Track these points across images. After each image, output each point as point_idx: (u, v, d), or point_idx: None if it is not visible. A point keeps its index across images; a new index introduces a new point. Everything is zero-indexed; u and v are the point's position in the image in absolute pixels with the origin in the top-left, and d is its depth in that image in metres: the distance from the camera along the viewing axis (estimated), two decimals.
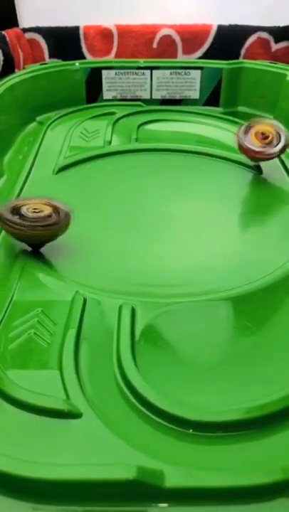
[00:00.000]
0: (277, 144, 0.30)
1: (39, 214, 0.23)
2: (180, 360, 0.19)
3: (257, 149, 0.30)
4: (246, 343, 0.20)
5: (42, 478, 0.14)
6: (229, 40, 0.47)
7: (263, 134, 0.30)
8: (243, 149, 0.31)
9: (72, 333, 0.20)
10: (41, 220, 0.23)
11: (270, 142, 0.30)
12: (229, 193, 0.31)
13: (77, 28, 0.47)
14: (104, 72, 0.45)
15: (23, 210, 0.23)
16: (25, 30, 0.47)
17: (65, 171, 0.34)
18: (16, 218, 0.23)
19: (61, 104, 0.44)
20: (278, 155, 0.31)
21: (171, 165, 0.35)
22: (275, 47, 0.47)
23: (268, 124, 0.31)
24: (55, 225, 0.23)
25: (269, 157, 0.31)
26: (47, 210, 0.23)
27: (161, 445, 0.16)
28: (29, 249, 0.25)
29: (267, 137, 0.30)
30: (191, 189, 0.32)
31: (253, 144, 0.31)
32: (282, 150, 0.30)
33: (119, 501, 0.14)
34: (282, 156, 0.36)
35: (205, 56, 0.47)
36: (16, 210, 0.23)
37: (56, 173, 0.34)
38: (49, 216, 0.23)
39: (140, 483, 0.14)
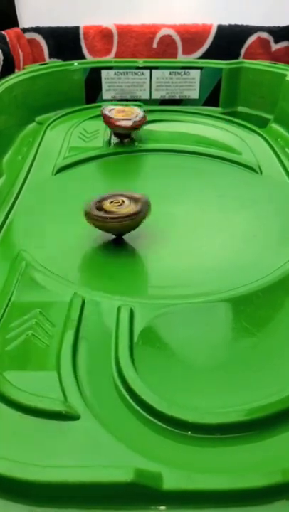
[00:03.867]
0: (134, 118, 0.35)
1: (121, 206, 0.25)
2: (179, 361, 0.19)
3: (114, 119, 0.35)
4: (245, 345, 0.20)
5: (40, 481, 0.14)
6: (229, 40, 0.47)
7: (123, 110, 0.36)
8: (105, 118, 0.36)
9: (70, 334, 0.20)
10: (125, 212, 0.25)
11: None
12: (229, 193, 0.31)
13: (77, 28, 0.47)
14: (103, 72, 0.45)
15: (106, 205, 0.25)
16: (25, 30, 0.47)
17: (65, 172, 0.34)
18: (102, 213, 0.25)
19: (60, 104, 0.44)
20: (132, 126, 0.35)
21: (170, 165, 0.35)
22: (275, 47, 0.47)
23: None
24: (139, 213, 0.25)
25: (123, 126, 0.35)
26: (127, 202, 0.26)
27: (160, 447, 0.16)
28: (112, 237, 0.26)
29: (123, 111, 0.36)
30: (191, 189, 0.32)
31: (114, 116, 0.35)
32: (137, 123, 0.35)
33: (117, 504, 0.14)
34: (282, 157, 0.36)
35: (205, 56, 0.47)
36: (99, 207, 0.25)
37: (55, 174, 0.34)
38: (131, 207, 0.25)
39: (138, 486, 0.14)
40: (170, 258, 0.26)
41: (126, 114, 0.35)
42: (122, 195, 0.26)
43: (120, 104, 0.44)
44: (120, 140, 0.37)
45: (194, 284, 0.24)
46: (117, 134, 0.37)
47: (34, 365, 0.19)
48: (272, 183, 0.33)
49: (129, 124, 0.35)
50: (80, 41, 0.47)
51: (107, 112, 0.35)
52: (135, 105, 0.44)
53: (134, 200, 0.26)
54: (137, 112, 0.36)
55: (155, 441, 0.16)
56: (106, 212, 0.25)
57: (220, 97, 0.46)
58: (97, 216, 0.25)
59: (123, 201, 0.25)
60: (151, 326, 0.21)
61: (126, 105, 0.44)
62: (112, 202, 0.26)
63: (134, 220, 0.25)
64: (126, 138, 0.37)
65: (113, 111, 0.35)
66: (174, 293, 0.23)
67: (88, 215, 0.25)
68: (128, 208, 0.25)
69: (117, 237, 0.26)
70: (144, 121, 0.35)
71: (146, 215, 0.25)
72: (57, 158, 0.35)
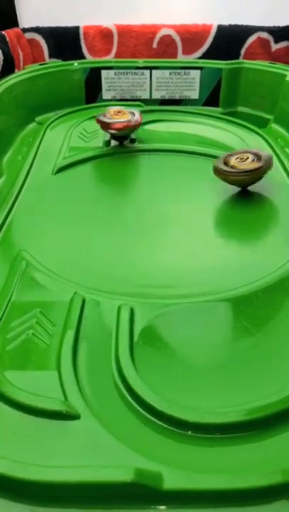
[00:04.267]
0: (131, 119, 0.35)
1: (246, 162, 0.29)
2: (179, 361, 0.19)
3: (108, 121, 0.35)
4: (245, 344, 0.20)
5: (40, 481, 0.14)
6: (229, 40, 0.47)
7: (119, 112, 0.36)
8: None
9: (70, 333, 0.20)
10: (249, 167, 0.29)
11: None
12: (228, 194, 0.31)
13: (77, 28, 0.47)
14: (103, 72, 0.45)
15: (233, 161, 0.29)
16: (25, 30, 0.47)
17: (64, 172, 0.34)
18: (230, 168, 0.29)
19: (60, 104, 0.44)
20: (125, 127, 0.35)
21: (170, 165, 0.35)
22: (275, 47, 0.47)
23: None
24: (261, 168, 0.29)
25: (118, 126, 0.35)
26: (251, 158, 0.29)
27: (160, 447, 0.16)
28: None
29: (119, 112, 0.35)
30: (191, 189, 0.32)
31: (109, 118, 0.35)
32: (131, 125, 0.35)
33: (117, 503, 0.14)
34: (282, 157, 0.36)
35: (205, 56, 0.47)
36: (226, 163, 0.30)
37: (55, 174, 0.34)
38: (254, 162, 0.29)
39: (139, 485, 0.14)
40: (170, 258, 0.26)
41: (121, 116, 0.35)
42: (247, 152, 0.30)
43: (120, 105, 0.44)
44: (120, 142, 0.36)
45: (194, 284, 0.24)
46: (114, 137, 0.36)
47: (34, 365, 0.19)
48: (272, 183, 0.33)
49: (121, 125, 0.34)
50: (80, 41, 0.47)
51: (101, 117, 0.35)
52: (135, 105, 0.44)
53: (257, 156, 0.29)
54: (132, 113, 0.35)
55: (155, 441, 0.16)
56: (231, 167, 0.29)
57: (220, 97, 0.46)
58: (222, 170, 0.29)
59: (248, 157, 0.29)
60: (152, 325, 0.21)
61: (125, 105, 0.44)
62: (237, 158, 0.30)
63: (254, 175, 0.29)
64: (124, 139, 0.36)
65: (108, 113, 0.35)
66: (174, 293, 0.23)
67: (216, 170, 0.29)
68: (251, 163, 0.29)
69: (243, 189, 0.30)
70: (138, 123, 0.35)
71: (267, 170, 0.29)
72: (57, 158, 0.35)
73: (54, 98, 0.44)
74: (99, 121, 0.35)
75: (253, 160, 0.29)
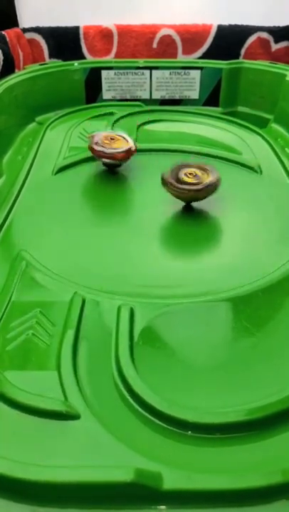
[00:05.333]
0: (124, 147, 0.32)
1: (194, 178, 0.28)
2: (179, 361, 0.19)
3: (108, 151, 0.31)
4: (245, 344, 0.20)
5: (40, 481, 0.14)
6: (229, 40, 0.47)
7: (112, 138, 0.32)
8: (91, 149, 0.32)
9: (70, 334, 0.20)
10: (197, 184, 0.28)
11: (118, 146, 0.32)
12: (229, 193, 0.31)
13: (77, 28, 0.47)
14: (103, 73, 0.45)
15: (181, 175, 0.28)
16: (25, 30, 0.47)
17: (65, 172, 0.34)
18: (177, 183, 0.28)
19: (60, 104, 0.44)
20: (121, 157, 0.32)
21: (170, 165, 0.35)
22: (275, 47, 0.47)
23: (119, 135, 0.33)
24: (209, 186, 0.28)
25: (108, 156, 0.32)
26: (200, 174, 0.28)
27: (160, 447, 0.16)
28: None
29: (112, 139, 0.32)
30: None
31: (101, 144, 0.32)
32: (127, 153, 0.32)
33: (117, 503, 0.14)
34: (282, 157, 0.36)
35: (205, 56, 0.47)
36: (175, 175, 0.28)
37: (55, 174, 0.34)
38: (202, 180, 0.28)
39: (138, 486, 0.14)
40: (170, 258, 0.26)
41: (116, 143, 0.32)
42: (199, 168, 0.29)
43: (120, 105, 0.44)
44: (110, 169, 0.33)
45: (195, 284, 0.24)
46: (105, 163, 0.33)
47: (34, 365, 0.19)
48: (272, 183, 0.33)
49: (124, 155, 0.31)
50: (80, 41, 0.47)
51: (96, 147, 0.31)
52: (135, 105, 0.44)
53: (206, 171, 0.28)
54: (123, 137, 0.32)
55: (155, 441, 0.16)
56: (179, 181, 0.28)
57: (220, 97, 0.46)
58: (171, 184, 0.28)
59: (196, 173, 0.28)
60: (152, 325, 0.21)
61: (126, 105, 0.44)
62: (186, 172, 0.28)
63: (204, 192, 0.28)
64: (118, 167, 0.33)
65: (100, 141, 0.32)
66: (174, 293, 0.23)
67: (164, 182, 0.28)
68: (201, 181, 0.28)
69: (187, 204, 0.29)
70: (130, 154, 0.32)
71: (214, 189, 0.28)
72: (57, 158, 0.35)
73: (54, 98, 0.44)
74: (95, 152, 0.31)
75: (203, 177, 0.28)
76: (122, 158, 0.32)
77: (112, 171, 0.33)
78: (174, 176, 0.28)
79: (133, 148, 0.32)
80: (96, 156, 0.32)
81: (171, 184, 0.28)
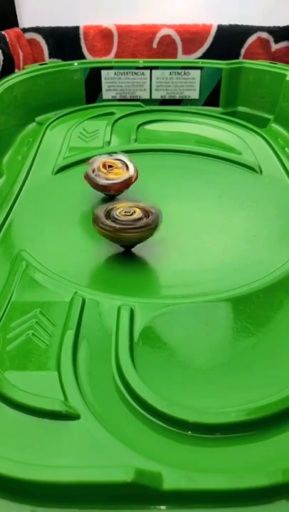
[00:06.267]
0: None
1: (131, 217, 0.24)
2: (179, 361, 0.19)
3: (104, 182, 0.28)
4: (245, 344, 0.20)
5: (40, 481, 0.14)
6: (229, 40, 0.47)
7: (110, 166, 0.29)
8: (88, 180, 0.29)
9: (70, 334, 0.20)
10: (133, 222, 0.24)
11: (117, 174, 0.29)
12: (229, 193, 0.31)
13: (77, 28, 0.47)
14: (103, 72, 0.45)
15: (115, 213, 0.24)
16: (25, 30, 0.47)
17: (65, 172, 0.34)
18: (109, 221, 0.23)
19: (60, 104, 0.44)
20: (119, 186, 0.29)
21: (170, 165, 0.35)
22: (275, 47, 0.47)
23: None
24: (147, 226, 0.24)
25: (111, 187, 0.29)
26: (137, 213, 0.24)
27: (160, 447, 0.16)
28: (121, 249, 0.25)
29: (110, 167, 0.29)
30: (191, 189, 0.32)
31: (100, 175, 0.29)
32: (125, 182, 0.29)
33: (117, 503, 0.14)
34: (282, 157, 0.36)
35: (205, 56, 0.47)
36: (108, 213, 0.24)
37: (55, 174, 0.34)
38: (140, 219, 0.24)
39: (138, 486, 0.14)
40: (170, 258, 0.26)
41: (115, 172, 0.29)
42: (136, 206, 0.24)
43: (119, 105, 0.44)
44: (110, 197, 0.30)
45: (194, 284, 0.24)
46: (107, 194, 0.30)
47: (34, 365, 0.19)
48: (272, 183, 0.33)
49: (120, 186, 0.28)
50: (80, 41, 0.47)
51: (93, 177, 0.28)
52: (135, 105, 0.44)
53: (145, 211, 0.24)
54: (123, 163, 0.29)
55: (155, 441, 0.16)
56: (113, 220, 0.24)
57: (220, 97, 0.46)
58: (102, 223, 0.23)
59: (134, 211, 0.24)
60: (152, 325, 0.21)
61: (126, 105, 0.44)
62: (122, 211, 0.24)
63: (141, 233, 0.24)
64: (112, 197, 0.30)
65: (97, 169, 0.29)
66: (174, 293, 0.23)
67: (96, 222, 0.24)
68: (139, 219, 0.24)
69: (126, 249, 0.25)
70: (127, 185, 0.29)
71: (154, 230, 0.24)
72: (57, 158, 0.35)
73: (54, 98, 0.44)
74: (88, 181, 0.29)
75: (141, 216, 0.24)
76: (117, 190, 0.28)
77: (111, 198, 0.30)
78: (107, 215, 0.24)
79: (133, 177, 0.29)
80: (91, 186, 0.29)
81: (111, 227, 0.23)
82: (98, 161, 0.29)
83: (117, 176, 0.28)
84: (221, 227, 0.28)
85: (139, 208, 0.24)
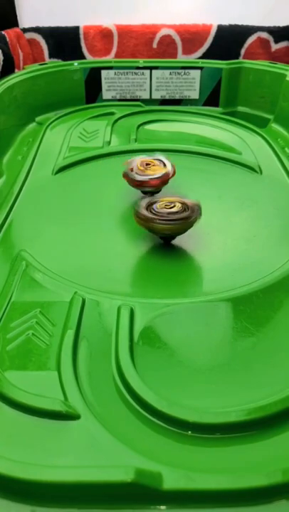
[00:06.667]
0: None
1: (172, 209, 0.25)
2: (179, 361, 0.19)
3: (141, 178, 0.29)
4: (245, 344, 0.20)
5: (40, 480, 0.14)
6: (229, 40, 0.47)
7: (147, 164, 0.30)
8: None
9: (70, 334, 0.20)
10: (168, 215, 0.24)
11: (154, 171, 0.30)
12: (229, 193, 0.31)
13: (77, 28, 0.47)
14: (103, 72, 0.45)
15: (156, 205, 0.25)
16: (25, 30, 0.47)
17: (65, 172, 0.34)
18: (145, 212, 0.25)
19: (60, 104, 0.44)
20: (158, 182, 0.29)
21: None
22: (274, 47, 0.47)
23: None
24: (188, 218, 0.24)
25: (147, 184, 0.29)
26: (177, 207, 0.25)
27: (160, 447, 0.16)
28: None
29: (147, 164, 0.30)
30: (191, 189, 0.32)
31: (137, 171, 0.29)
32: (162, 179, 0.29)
33: (117, 503, 0.14)
34: (282, 157, 0.36)
35: (205, 56, 0.47)
36: (151, 204, 0.25)
37: (55, 174, 0.34)
38: (177, 212, 0.25)
39: (138, 485, 0.14)
40: (170, 258, 0.26)
41: (152, 169, 0.29)
42: (176, 200, 0.25)
43: (119, 105, 0.44)
44: (149, 194, 0.29)
45: (194, 284, 0.24)
46: (143, 191, 0.30)
47: (34, 365, 0.19)
48: (272, 183, 0.33)
49: (158, 181, 0.29)
50: (80, 41, 0.47)
51: (128, 171, 0.29)
52: (135, 105, 0.44)
53: (186, 206, 0.25)
54: (160, 161, 0.30)
55: (155, 441, 0.16)
56: (155, 213, 0.25)
57: (220, 97, 0.46)
58: (143, 216, 0.24)
59: (175, 205, 0.25)
60: (152, 325, 0.21)
61: (125, 105, 0.44)
62: (162, 204, 0.25)
63: (182, 224, 0.24)
64: (153, 194, 0.30)
65: (135, 167, 0.29)
66: (174, 293, 0.23)
67: (137, 214, 0.25)
68: (180, 211, 0.25)
69: (165, 241, 0.26)
70: (165, 180, 0.29)
71: (194, 221, 0.25)
72: (57, 158, 0.35)
73: (54, 98, 0.44)
74: (127, 179, 0.29)
75: (182, 208, 0.25)
76: (154, 185, 0.29)
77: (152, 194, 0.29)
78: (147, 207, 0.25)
79: (171, 173, 0.29)
80: (129, 183, 0.30)
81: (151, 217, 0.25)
82: (136, 161, 0.30)
83: (154, 172, 0.29)
84: (221, 227, 0.28)
85: (181, 203, 0.25)
